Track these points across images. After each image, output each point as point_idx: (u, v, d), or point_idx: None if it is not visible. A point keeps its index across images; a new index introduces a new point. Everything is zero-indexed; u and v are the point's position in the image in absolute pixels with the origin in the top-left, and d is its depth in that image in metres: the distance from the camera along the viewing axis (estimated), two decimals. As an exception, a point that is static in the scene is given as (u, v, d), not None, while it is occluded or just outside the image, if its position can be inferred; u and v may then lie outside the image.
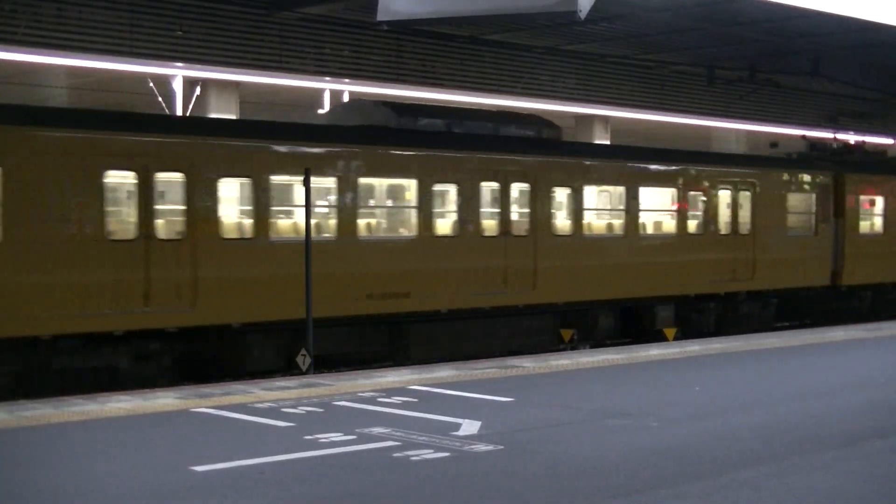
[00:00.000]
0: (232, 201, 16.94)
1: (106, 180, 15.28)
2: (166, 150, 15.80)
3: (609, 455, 9.60)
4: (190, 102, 22.45)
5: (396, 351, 18.71)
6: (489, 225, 19.58)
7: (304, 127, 19.57)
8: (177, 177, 15.89)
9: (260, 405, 12.12)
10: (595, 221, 21.58)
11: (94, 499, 8.24)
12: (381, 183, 18.78)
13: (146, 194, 15.50)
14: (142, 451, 9.81)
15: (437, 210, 18.94)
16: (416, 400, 12.45)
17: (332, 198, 17.64)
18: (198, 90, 22.61)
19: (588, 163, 21.40)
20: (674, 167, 22.91)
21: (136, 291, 15.29)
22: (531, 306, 20.12)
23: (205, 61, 21.54)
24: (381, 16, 17.29)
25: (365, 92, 24.53)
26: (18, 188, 14.54)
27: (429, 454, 9.48)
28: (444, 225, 19.13)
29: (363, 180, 18.00)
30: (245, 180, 16.67)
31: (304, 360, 15.59)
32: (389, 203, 19.02)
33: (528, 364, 15.88)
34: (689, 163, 23.47)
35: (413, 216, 18.55)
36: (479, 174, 19.33)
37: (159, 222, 15.79)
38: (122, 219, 15.64)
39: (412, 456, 9.41)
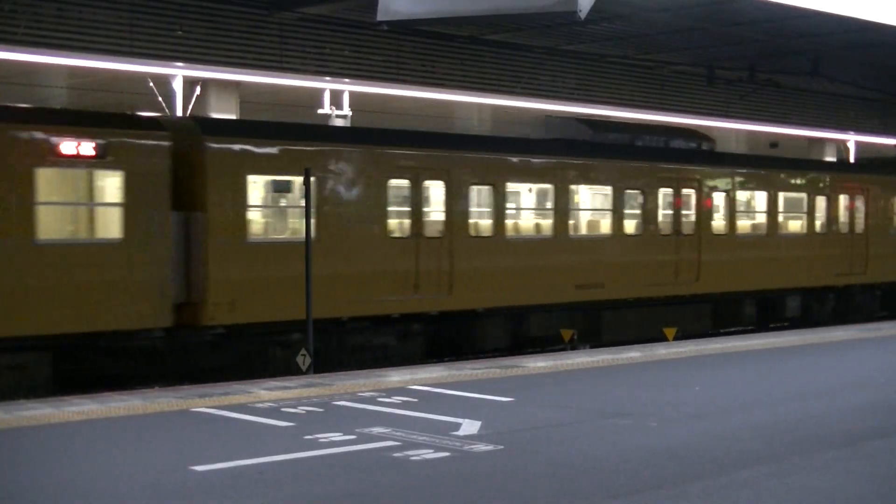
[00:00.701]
0: (478, 205, 20.10)
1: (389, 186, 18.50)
2: (431, 162, 19.06)
3: (609, 455, 9.60)
4: (190, 102, 22.42)
5: (591, 333, 21.62)
6: (664, 225, 22.94)
7: (529, 142, 22.78)
8: (438, 184, 19.07)
9: (260, 405, 12.12)
10: (746, 222, 25.07)
11: (94, 499, 8.25)
12: (585, 189, 22.06)
13: (417, 199, 18.78)
14: (142, 451, 9.82)
15: (626, 212, 22.19)
16: (416, 400, 12.45)
17: (550, 202, 21.07)
18: (198, 90, 22.59)
19: (741, 171, 25.04)
20: (807, 175, 26.57)
21: (409, 281, 18.31)
22: (696, 296, 23.44)
23: (205, 61, 21.51)
24: (381, 16, 17.28)
25: (364, 93, 24.51)
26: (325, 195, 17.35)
27: (429, 454, 9.48)
28: (631, 225, 22.33)
29: (572, 186, 21.24)
30: (487, 187, 19.83)
31: (304, 359, 15.58)
32: (590, 206, 22.32)
33: (527, 364, 15.88)
34: (817, 171, 27.38)
35: (609, 218, 21.94)
36: (657, 181, 22.70)
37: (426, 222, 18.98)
38: (401, 220, 18.79)
39: (412, 456, 9.41)
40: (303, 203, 16.48)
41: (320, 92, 23.84)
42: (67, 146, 14.94)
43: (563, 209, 20.92)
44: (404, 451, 9.56)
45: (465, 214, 19.33)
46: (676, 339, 21.17)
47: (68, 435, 10.64)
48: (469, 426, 10.73)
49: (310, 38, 22.77)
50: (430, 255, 18.61)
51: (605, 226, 21.91)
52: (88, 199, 15.76)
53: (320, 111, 24.30)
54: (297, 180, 16.70)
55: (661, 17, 23.56)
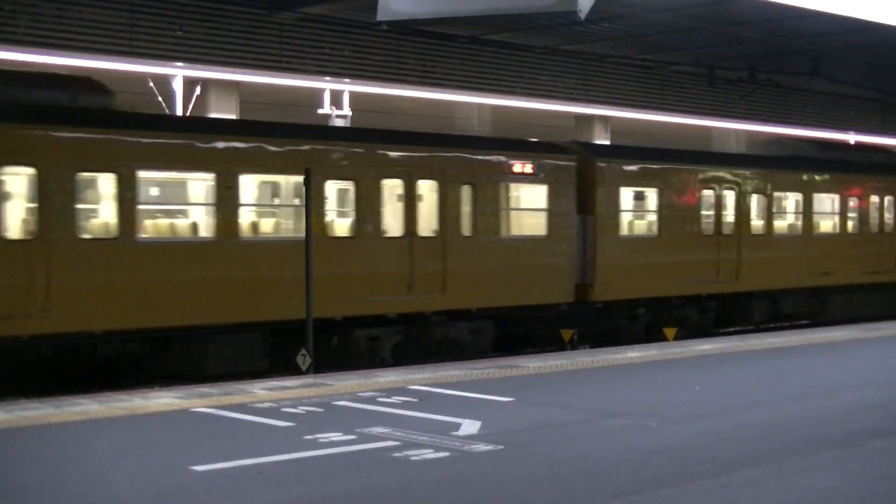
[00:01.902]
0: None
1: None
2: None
3: (609, 455, 9.60)
4: (190, 102, 22.43)
5: (818, 313, 26.20)
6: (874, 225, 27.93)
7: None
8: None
9: (260, 405, 12.12)
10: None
11: (95, 499, 8.24)
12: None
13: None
14: (142, 451, 9.81)
15: (849, 214, 27.15)
16: (416, 400, 12.45)
17: (792, 206, 25.93)
18: (198, 90, 22.60)
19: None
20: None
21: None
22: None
23: (205, 61, 21.52)
24: (381, 16, 17.30)
25: (365, 92, 24.50)
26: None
27: (429, 454, 9.48)
28: (851, 224, 27.24)
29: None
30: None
31: (304, 359, 15.58)
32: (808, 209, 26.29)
33: (528, 364, 15.88)
34: None
35: (836, 219, 26.88)
36: (879, 192, 27.77)
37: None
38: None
39: (412, 456, 9.41)
40: (653, 209, 22.50)
41: (320, 92, 23.85)
42: (517, 167, 20.23)
43: (810, 212, 26.22)
44: (404, 451, 9.56)
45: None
46: (677, 338, 21.19)
47: (68, 435, 10.64)
48: (469, 426, 10.73)
49: (309, 38, 22.78)
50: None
51: (833, 226, 27.09)
52: (526, 205, 20.82)
53: (320, 111, 24.32)
54: (648, 190, 22.51)
55: (661, 17, 23.57)
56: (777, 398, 12.87)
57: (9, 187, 14.96)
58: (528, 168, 20.29)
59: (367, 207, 17.89)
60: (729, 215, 24.10)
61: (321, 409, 11.86)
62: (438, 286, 18.71)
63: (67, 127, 15.23)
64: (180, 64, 21.36)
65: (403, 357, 18.37)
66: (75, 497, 8.28)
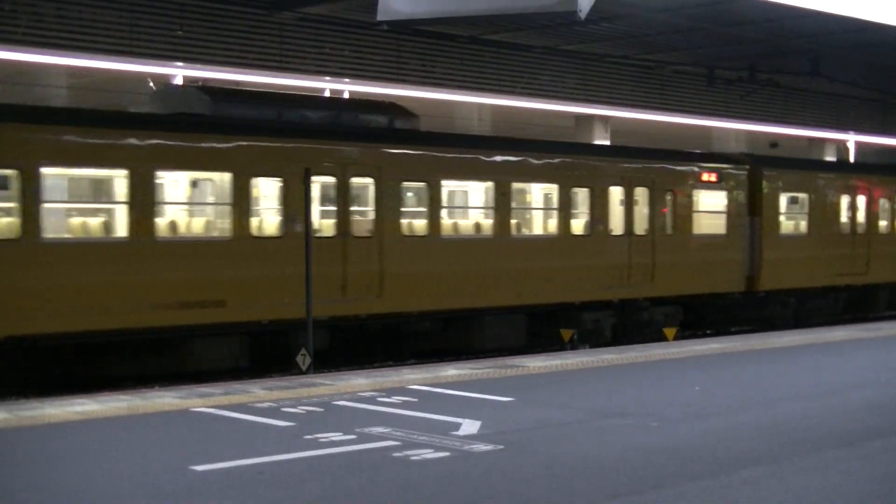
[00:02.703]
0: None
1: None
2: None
3: (609, 455, 9.61)
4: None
5: None
6: None
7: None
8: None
9: (260, 405, 12.12)
10: None
11: (94, 499, 8.25)
12: None
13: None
14: (142, 451, 9.82)
15: None
16: (416, 400, 12.46)
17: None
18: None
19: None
20: None
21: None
22: None
23: (205, 61, 21.51)
24: (381, 16, 17.28)
25: (366, 92, 24.50)
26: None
27: (429, 454, 9.48)
28: None
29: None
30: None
31: (304, 359, 15.58)
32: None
33: (528, 364, 15.89)
34: None
35: None
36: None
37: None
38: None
39: (412, 456, 9.41)
40: (805, 211, 25.93)
41: (320, 92, 23.82)
42: (705, 176, 23.76)
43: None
44: (404, 451, 9.57)
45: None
46: (677, 339, 21.19)
47: (68, 435, 10.64)
48: (469, 426, 10.73)
49: (310, 38, 22.77)
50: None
51: None
52: (710, 208, 23.92)
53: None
54: (803, 196, 25.95)
55: (661, 17, 23.56)
56: (777, 398, 12.87)
57: (354, 192, 18.08)
58: (713, 177, 24.00)
59: (600, 210, 21.49)
60: (861, 216, 27.73)
61: (321, 409, 11.87)
62: (649, 276, 22.33)
63: (395, 145, 18.74)
64: (180, 64, 21.35)
65: (619, 337, 21.78)
66: (75, 497, 8.28)
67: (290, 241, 16.65)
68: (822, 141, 36.70)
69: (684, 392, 13.48)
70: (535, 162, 20.72)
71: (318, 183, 17.58)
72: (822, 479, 8.79)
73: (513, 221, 20.30)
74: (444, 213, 19.27)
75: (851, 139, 37.21)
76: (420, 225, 18.99)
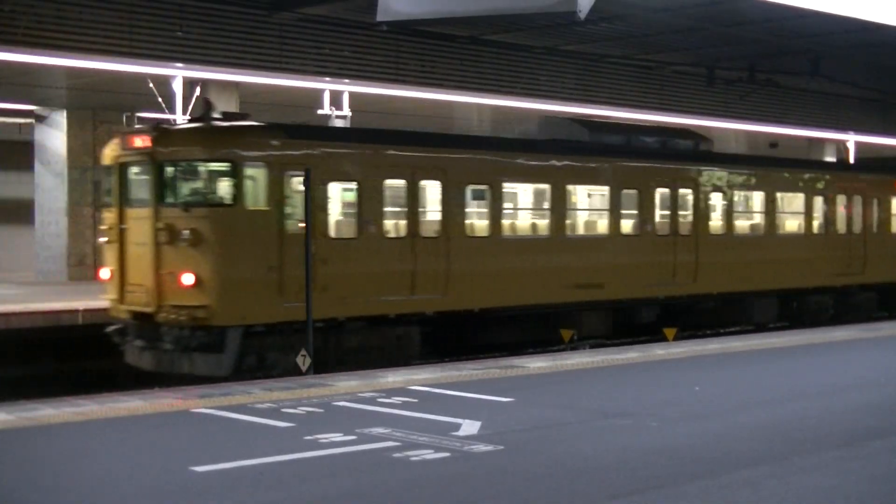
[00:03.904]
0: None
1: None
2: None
3: (609, 455, 9.61)
4: (190, 103, 22.44)
5: None
6: None
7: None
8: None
9: (260, 405, 12.12)
10: None
11: (95, 499, 8.25)
12: None
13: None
14: (142, 452, 9.82)
15: None
16: (416, 400, 12.45)
17: None
18: (197, 90, 22.60)
19: None
20: None
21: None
22: None
23: (205, 61, 21.52)
24: (381, 16, 17.32)
25: (365, 92, 24.50)
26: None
27: (429, 454, 9.48)
28: None
29: None
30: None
31: (304, 360, 15.58)
32: None
33: (528, 364, 15.88)
34: None
35: None
36: None
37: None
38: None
39: (412, 456, 9.41)
40: None
41: (320, 92, 23.85)
42: None
43: None
44: (404, 452, 9.56)
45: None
46: (677, 339, 21.19)
47: (68, 435, 10.64)
48: (469, 426, 10.73)
49: (309, 38, 22.78)
50: None
51: None
52: None
53: (320, 112, 24.32)
54: None
55: (661, 17, 23.58)
56: (777, 398, 12.87)
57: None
58: None
59: (831, 215, 26.14)
60: None
61: (321, 410, 11.86)
62: (861, 267, 27.02)
63: (700, 163, 23.39)
64: (180, 64, 21.36)
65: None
66: (75, 497, 8.28)
67: (644, 239, 22.04)
68: (822, 141, 36.71)
69: (684, 392, 13.48)
70: (805, 176, 26.10)
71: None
72: (822, 479, 8.79)
73: (777, 223, 25.20)
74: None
75: (851, 139, 37.22)
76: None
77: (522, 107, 27.66)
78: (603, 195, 21.62)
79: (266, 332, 16.50)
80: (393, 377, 14.51)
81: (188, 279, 15.89)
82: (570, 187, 20.84)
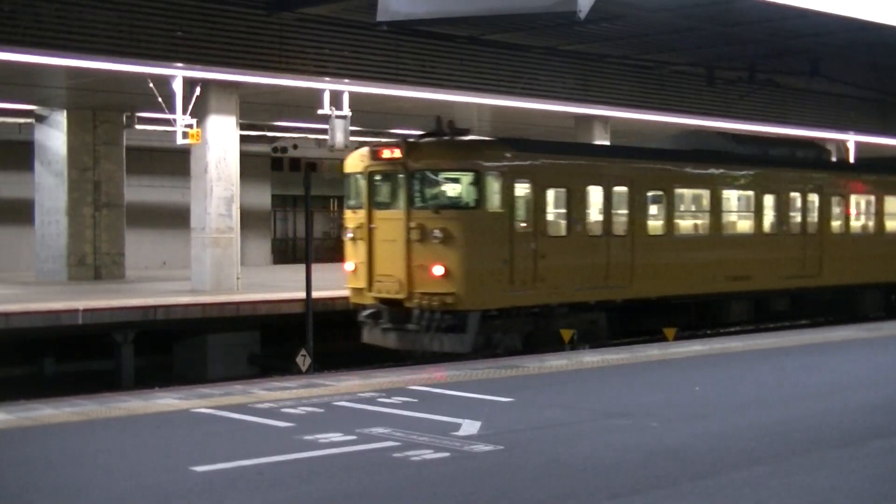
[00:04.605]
0: None
1: None
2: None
3: (609, 455, 9.61)
4: (190, 103, 22.43)
5: None
6: None
7: None
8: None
9: (260, 405, 12.12)
10: None
11: (95, 499, 8.25)
12: None
13: None
14: (142, 451, 9.82)
15: None
16: (416, 400, 12.45)
17: None
18: (197, 90, 22.60)
19: None
20: None
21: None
22: None
23: (205, 61, 21.51)
24: (381, 16, 17.32)
25: (366, 92, 24.50)
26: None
27: (429, 454, 9.48)
28: None
29: None
30: None
31: (304, 360, 15.60)
32: None
33: (528, 364, 15.88)
34: None
35: None
36: None
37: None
38: None
39: (412, 456, 9.41)
40: None
41: (320, 92, 23.83)
42: None
43: None
44: (404, 452, 9.56)
45: None
46: (677, 339, 21.18)
47: (68, 435, 10.64)
48: (469, 426, 10.73)
49: (309, 38, 22.77)
50: None
51: None
52: None
53: (320, 111, 24.30)
54: None
55: (661, 17, 23.57)
56: (777, 398, 12.87)
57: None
58: None
59: None
60: None
61: (321, 410, 11.86)
62: None
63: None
64: (180, 64, 21.35)
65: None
66: (75, 497, 8.28)
67: (781, 237, 24.72)
68: (822, 141, 36.68)
69: (684, 392, 13.48)
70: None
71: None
72: (822, 479, 8.79)
73: (885, 223, 27.88)
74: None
75: (851, 139, 37.21)
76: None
77: (523, 106, 27.66)
78: (748, 198, 24.59)
79: (496, 316, 19.13)
80: (393, 377, 14.51)
81: (438, 271, 18.50)
82: (724, 192, 23.80)
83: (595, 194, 20.94)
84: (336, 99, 24.31)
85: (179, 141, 22.71)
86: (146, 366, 21.53)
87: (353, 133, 25.17)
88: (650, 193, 22.13)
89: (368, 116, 28.99)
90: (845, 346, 18.81)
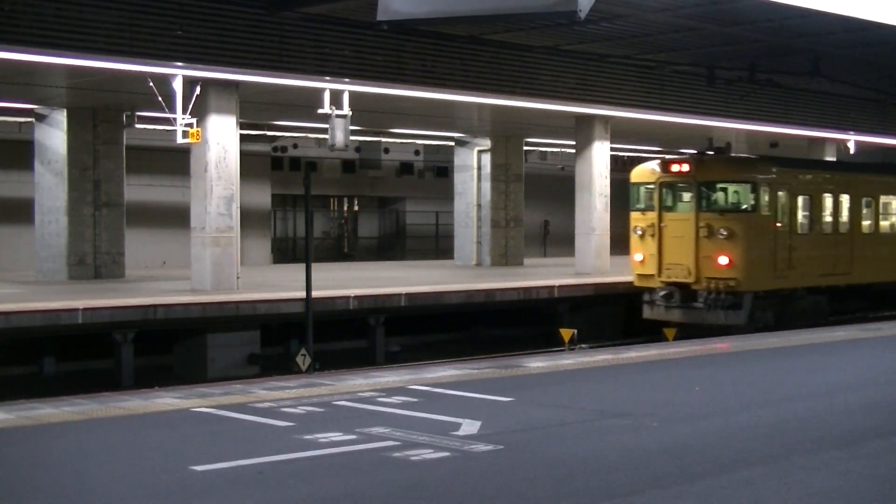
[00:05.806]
0: None
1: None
2: None
3: (609, 455, 9.61)
4: (190, 102, 22.41)
5: None
6: None
7: None
8: None
9: (260, 405, 12.12)
10: None
11: (94, 499, 8.25)
12: None
13: None
14: (142, 451, 9.82)
15: None
16: (416, 400, 12.45)
17: None
18: (197, 90, 22.58)
19: None
20: None
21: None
22: None
23: (205, 61, 21.49)
24: (381, 16, 17.25)
25: (366, 92, 24.48)
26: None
27: (429, 454, 9.48)
28: None
29: None
30: None
31: (304, 360, 15.59)
32: None
33: (527, 364, 15.89)
34: None
35: None
36: None
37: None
38: None
39: (412, 456, 9.41)
40: None
41: (320, 91, 23.79)
42: None
43: None
44: (404, 451, 9.57)
45: None
46: (676, 339, 21.20)
47: (68, 435, 10.64)
48: (469, 426, 10.73)
49: (310, 37, 22.75)
50: None
51: None
52: None
53: (320, 111, 24.27)
54: None
55: (661, 17, 23.55)
56: (777, 398, 12.87)
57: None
58: None
59: None
60: None
61: (321, 409, 11.86)
62: None
63: None
64: (180, 64, 21.34)
65: None
66: (75, 497, 8.28)
67: (871, 237, 28.54)
68: (823, 140, 36.71)
69: (684, 392, 13.48)
70: None
71: None
72: (822, 479, 8.79)
73: None
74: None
75: (851, 139, 37.21)
76: None
77: (523, 106, 27.64)
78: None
79: (762, 297, 24.42)
80: (393, 377, 14.51)
81: (723, 260, 23.92)
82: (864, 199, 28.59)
83: (828, 200, 26.75)
84: (336, 98, 24.28)
85: (179, 140, 22.67)
86: (146, 365, 21.54)
87: (354, 133, 25.15)
88: (864, 199, 27.96)
89: (369, 116, 28.96)
90: (845, 346, 18.81)
